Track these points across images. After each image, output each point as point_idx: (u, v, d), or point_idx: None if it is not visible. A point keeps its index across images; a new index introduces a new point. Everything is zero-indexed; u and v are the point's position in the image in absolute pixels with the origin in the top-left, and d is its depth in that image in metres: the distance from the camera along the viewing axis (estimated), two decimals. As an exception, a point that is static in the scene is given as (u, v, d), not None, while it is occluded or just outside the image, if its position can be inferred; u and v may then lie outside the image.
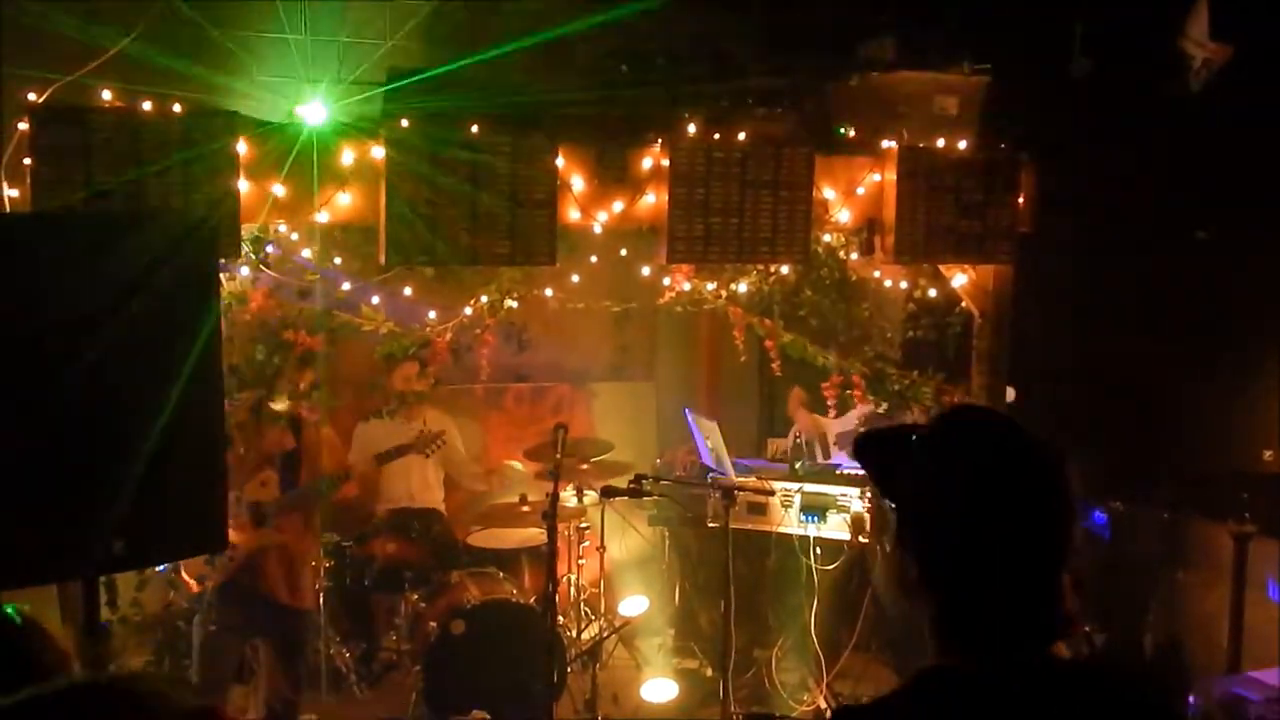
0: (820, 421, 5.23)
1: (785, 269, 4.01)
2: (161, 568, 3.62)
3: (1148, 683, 1.25)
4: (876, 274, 4.22)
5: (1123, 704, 1.24)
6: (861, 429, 4.77)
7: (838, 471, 4.88)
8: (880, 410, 4.45)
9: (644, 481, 4.04)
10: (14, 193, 2.95)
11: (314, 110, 3.18)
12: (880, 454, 1.33)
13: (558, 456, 4.01)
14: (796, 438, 5.18)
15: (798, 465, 4.95)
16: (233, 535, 3.07)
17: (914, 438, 1.30)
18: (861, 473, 4.94)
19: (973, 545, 1.21)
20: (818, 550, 4.51)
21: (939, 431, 1.31)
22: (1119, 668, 1.28)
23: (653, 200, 3.57)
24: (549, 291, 3.90)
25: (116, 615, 3.57)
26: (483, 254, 3.34)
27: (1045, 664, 1.21)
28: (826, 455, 5.18)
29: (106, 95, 2.97)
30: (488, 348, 3.87)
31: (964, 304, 4.15)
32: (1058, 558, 1.22)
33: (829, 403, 4.59)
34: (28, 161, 2.86)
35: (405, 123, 3.25)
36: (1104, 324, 4.13)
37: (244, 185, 3.08)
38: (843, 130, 3.78)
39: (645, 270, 3.85)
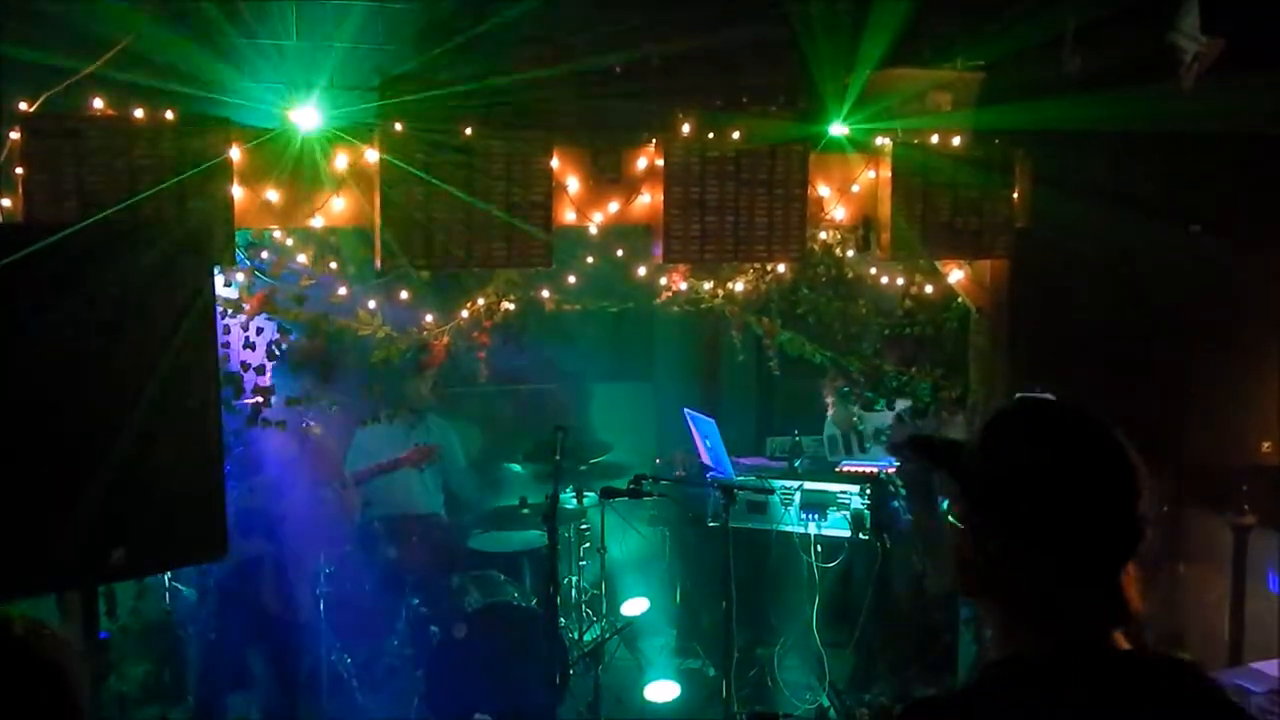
0: (853, 414, 5.16)
1: (781, 267, 4.00)
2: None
3: (1203, 672, 1.26)
4: (873, 271, 4.21)
5: (1185, 693, 1.24)
6: (897, 425, 4.71)
7: (837, 469, 4.88)
8: (913, 408, 4.40)
9: (643, 482, 4.04)
10: (6, 202, 2.94)
11: (307, 115, 3.17)
12: (938, 449, 1.36)
13: (557, 458, 4.01)
14: (845, 426, 5.09)
15: (797, 463, 4.95)
16: None
17: (986, 423, 1.32)
18: (863, 469, 4.92)
19: (1041, 527, 1.22)
20: (818, 548, 4.52)
21: (1009, 416, 1.32)
22: (1175, 658, 1.30)
23: (648, 200, 3.57)
24: (545, 293, 3.89)
25: (116, 624, 3.56)
26: (479, 257, 3.33)
27: (1107, 652, 1.22)
28: (862, 450, 5.12)
29: (98, 104, 2.95)
30: (485, 350, 3.86)
31: (961, 299, 4.15)
32: (1122, 543, 1.23)
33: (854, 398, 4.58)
34: (20, 171, 2.85)
35: (399, 126, 3.24)
36: (1101, 318, 4.13)
37: (238, 191, 3.07)
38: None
39: (642, 270, 3.85)
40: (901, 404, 4.55)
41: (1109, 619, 1.24)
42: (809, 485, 4.57)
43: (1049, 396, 1.32)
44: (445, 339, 3.74)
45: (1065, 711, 1.18)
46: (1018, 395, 1.33)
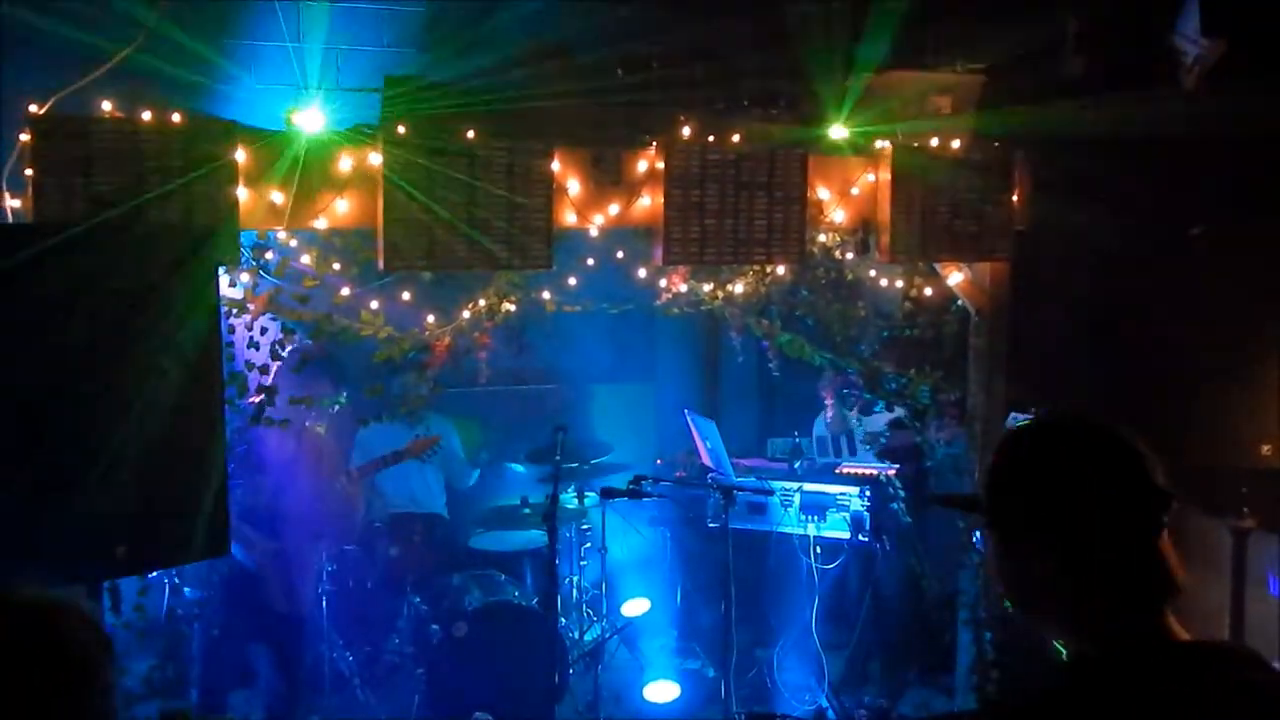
0: (848, 417, 5.20)
1: (781, 269, 4.02)
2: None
3: (1260, 658, 1.32)
4: (873, 273, 4.23)
5: (1252, 682, 1.30)
6: (889, 430, 4.73)
7: (836, 469, 4.89)
8: (911, 411, 4.41)
9: (643, 482, 4.06)
10: (16, 203, 2.97)
11: (312, 118, 3.20)
12: (961, 497, 1.42)
13: (557, 458, 4.04)
14: (839, 429, 5.13)
15: (797, 465, 4.97)
16: None
17: (991, 462, 1.40)
18: (862, 471, 4.93)
19: (1071, 538, 1.31)
20: (818, 549, 4.53)
21: (1009, 445, 1.41)
22: (1232, 645, 1.38)
23: (648, 203, 3.59)
24: (546, 295, 3.92)
25: (120, 620, 3.60)
26: (480, 258, 3.36)
27: (1170, 644, 1.31)
28: (853, 452, 5.15)
29: (106, 106, 2.99)
30: (486, 351, 3.89)
31: (960, 302, 4.17)
32: (1153, 520, 1.34)
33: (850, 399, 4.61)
34: (29, 172, 2.89)
35: (402, 128, 3.27)
36: (1101, 320, 4.14)
37: (243, 193, 3.10)
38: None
39: (642, 272, 3.87)
40: (900, 409, 4.57)
41: (1158, 598, 1.33)
42: (808, 487, 4.58)
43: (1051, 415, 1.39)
44: (446, 339, 3.77)
45: (1141, 709, 1.24)
46: (1012, 419, 1.41)
